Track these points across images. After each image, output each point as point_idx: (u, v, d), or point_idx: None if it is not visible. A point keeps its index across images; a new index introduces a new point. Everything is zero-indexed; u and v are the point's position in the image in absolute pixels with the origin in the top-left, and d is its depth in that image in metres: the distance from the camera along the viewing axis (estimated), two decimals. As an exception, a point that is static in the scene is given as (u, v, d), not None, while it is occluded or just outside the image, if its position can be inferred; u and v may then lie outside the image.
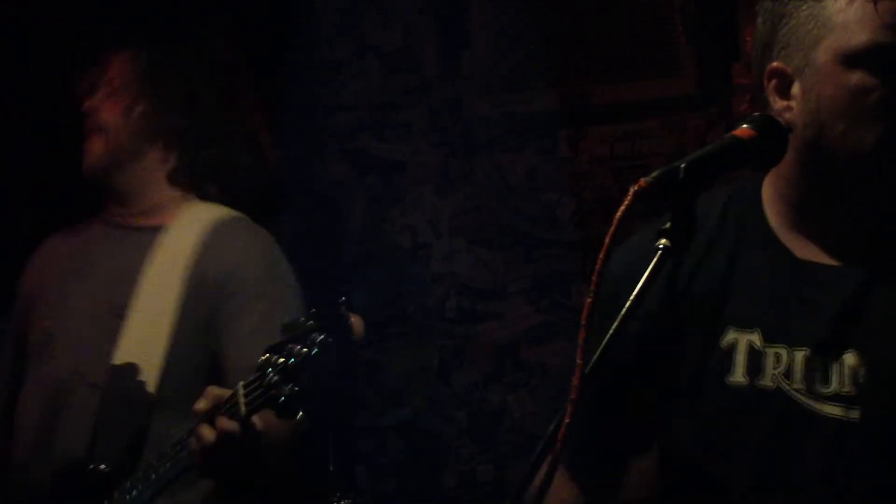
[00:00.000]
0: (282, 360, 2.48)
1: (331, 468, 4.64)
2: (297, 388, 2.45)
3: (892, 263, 2.17)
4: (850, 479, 2.11)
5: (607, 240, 1.82)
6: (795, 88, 2.16)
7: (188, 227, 3.12)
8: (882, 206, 2.17)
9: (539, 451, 1.80)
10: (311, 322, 2.49)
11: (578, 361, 1.79)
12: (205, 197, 3.22)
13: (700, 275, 2.24)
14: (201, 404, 2.64)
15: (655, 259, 1.85)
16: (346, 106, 4.98)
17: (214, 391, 2.65)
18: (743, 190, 2.31)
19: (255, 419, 2.58)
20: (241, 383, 2.58)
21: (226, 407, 2.60)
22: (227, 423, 2.58)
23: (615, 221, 1.82)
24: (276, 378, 2.49)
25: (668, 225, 1.87)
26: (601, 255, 1.81)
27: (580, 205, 4.60)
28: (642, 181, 1.87)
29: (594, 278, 1.81)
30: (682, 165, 1.90)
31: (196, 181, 3.21)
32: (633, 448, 2.36)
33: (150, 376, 2.97)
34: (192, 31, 3.38)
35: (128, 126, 3.17)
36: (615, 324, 1.83)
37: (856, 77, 2.09)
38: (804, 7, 2.14)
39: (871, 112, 2.09)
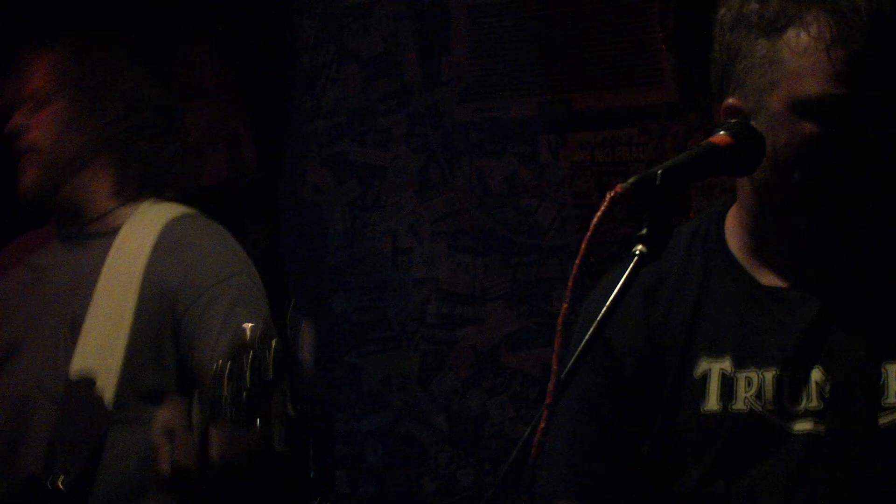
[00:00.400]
0: (231, 375, 2.45)
1: (311, 473, 4.65)
2: (248, 406, 2.43)
3: (847, 284, 2.19)
4: (822, 491, 2.12)
5: (584, 245, 1.83)
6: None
7: (140, 231, 3.04)
8: (837, 237, 2.19)
9: (514, 456, 1.80)
10: (264, 328, 2.47)
11: (554, 367, 1.79)
12: (157, 198, 3.14)
13: (673, 308, 2.26)
14: (161, 412, 2.60)
15: (632, 264, 1.85)
16: (327, 111, 4.98)
17: (174, 402, 2.61)
18: (706, 223, 2.33)
19: (213, 431, 2.54)
20: (196, 394, 2.54)
21: (183, 418, 2.56)
22: (185, 437, 2.55)
23: (592, 227, 1.83)
24: (226, 393, 2.46)
25: (644, 231, 1.87)
26: (577, 261, 1.82)
27: (560, 211, 4.60)
28: (619, 187, 1.88)
29: (570, 284, 1.82)
30: (659, 171, 1.90)
31: (144, 183, 3.13)
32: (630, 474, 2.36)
33: (106, 388, 2.90)
34: (110, 25, 3.28)
35: (60, 141, 3.05)
36: (591, 329, 1.83)
37: (808, 126, 2.08)
38: (760, 47, 2.13)
39: (823, 161, 2.09)
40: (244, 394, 2.41)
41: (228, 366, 2.42)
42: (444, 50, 4.80)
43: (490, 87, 4.69)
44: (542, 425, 1.76)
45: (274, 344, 2.38)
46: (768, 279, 2.22)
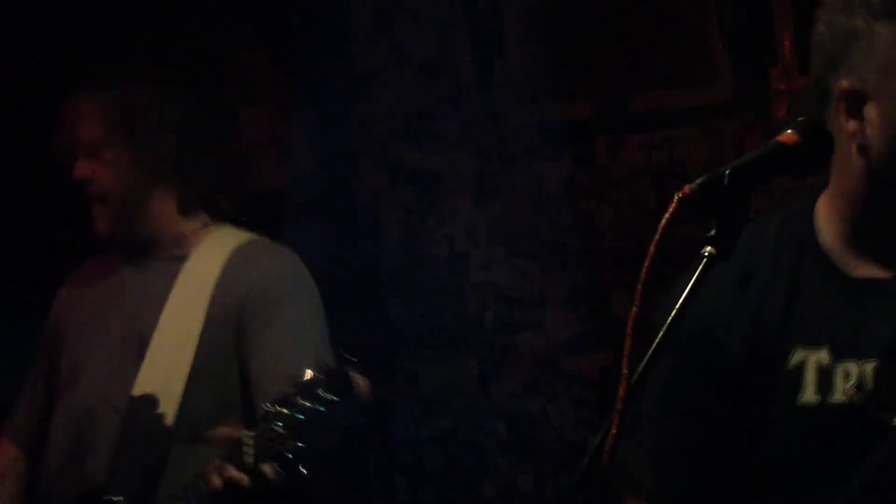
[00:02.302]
0: (287, 413, 2.47)
1: (370, 481, 4.65)
2: (301, 445, 2.45)
3: None
4: None
5: (652, 248, 1.82)
6: (871, 111, 2.13)
7: (210, 254, 3.12)
8: None
9: (587, 463, 1.79)
10: (317, 377, 2.48)
11: (624, 371, 1.77)
12: (220, 216, 3.21)
13: (766, 299, 2.24)
14: (213, 435, 2.64)
15: (700, 266, 1.84)
16: (382, 116, 4.98)
17: (226, 430, 2.64)
18: (795, 211, 2.31)
19: (265, 467, 2.56)
20: (246, 433, 2.56)
21: (234, 452, 2.58)
22: (233, 473, 2.57)
23: (660, 229, 1.82)
24: (282, 432, 2.48)
25: (712, 232, 1.86)
26: (646, 264, 1.81)
27: (617, 213, 4.58)
28: (686, 188, 1.87)
29: (639, 287, 1.80)
30: (727, 171, 1.89)
31: (205, 204, 3.18)
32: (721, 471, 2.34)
33: (168, 408, 2.97)
34: (153, 62, 3.32)
35: (123, 185, 3.12)
36: (660, 332, 1.81)
37: None
38: (884, 29, 2.10)
39: None
40: (295, 442, 2.42)
41: (281, 412, 2.44)
42: (498, 53, 4.78)
43: (545, 90, 4.67)
44: (614, 431, 1.75)
45: (326, 399, 2.39)
46: (863, 270, 2.20)
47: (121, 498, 2.90)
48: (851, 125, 2.15)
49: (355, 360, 2.54)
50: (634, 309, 1.80)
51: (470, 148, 4.84)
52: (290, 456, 2.49)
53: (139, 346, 3.03)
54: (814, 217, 2.27)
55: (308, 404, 2.46)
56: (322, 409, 2.45)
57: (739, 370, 2.24)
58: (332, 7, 4.95)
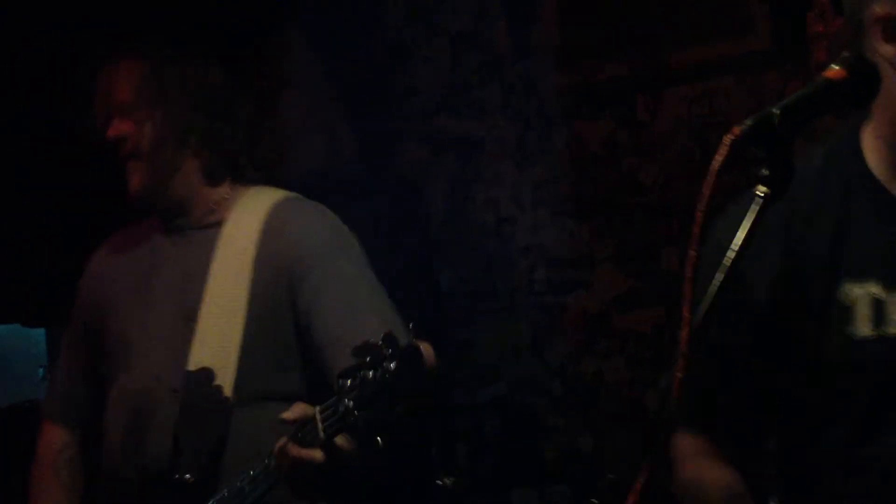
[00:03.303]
0: (356, 387, 2.48)
1: (433, 450, 4.67)
2: (373, 416, 2.45)
3: None
4: None
5: (707, 191, 1.81)
6: None
7: (246, 219, 3.09)
8: None
9: (657, 410, 1.80)
10: (382, 346, 2.49)
11: (686, 315, 1.78)
12: (250, 182, 3.18)
13: (810, 234, 2.24)
14: (288, 413, 2.64)
15: (758, 208, 1.83)
16: (421, 88, 4.99)
17: (302, 407, 2.64)
18: (839, 144, 2.30)
19: (339, 440, 2.57)
20: (318, 408, 2.57)
21: (305, 429, 2.59)
22: (304, 451, 2.58)
23: (713, 173, 1.80)
24: (351, 404, 2.49)
25: (765, 171, 1.86)
26: (701, 208, 1.80)
27: (662, 168, 4.57)
28: (736, 129, 1.86)
29: (696, 231, 1.80)
30: (777, 111, 1.88)
31: (233, 172, 3.17)
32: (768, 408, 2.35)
33: (225, 379, 2.95)
34: (187, 26, 3.32)
35: (156, 147, 3.11)
36: (724, 275, 1.81)
37: None
38: None
39: None
40: (365, 413, 2.43)
41: (349, 384, 2.45)
42: (532, 17, 4.78)
43: (582, 50, 4.67)
44: (680, 375, 1.76)
45: (392, 368, 2.40)
46: None
47: (188, 476, 2.91)
48: (888, 49, 2.14)
49: (413, 326, 2.54)
50: (693, 253, 1.79)
51: (509, 114, 4.86)
52: (362, 428, 2.49)
53: (187, 320, 3.02)
54: (860, 147, 2.26)
55: (377, 377, 2.46)
56: (391, 380, 2.45)
57: (768, 310, 2.24)
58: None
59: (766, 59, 4.35)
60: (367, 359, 2.48)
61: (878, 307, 2.18)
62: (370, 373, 2.45)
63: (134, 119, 3.11)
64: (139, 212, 3.25)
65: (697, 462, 2.34)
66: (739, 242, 1.81)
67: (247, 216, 3.09)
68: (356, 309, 2.92)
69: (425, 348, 2.49)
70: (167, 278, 3.12)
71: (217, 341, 2.97)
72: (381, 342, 2.47)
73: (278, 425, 2.86)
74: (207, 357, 2.98)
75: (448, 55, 4.94)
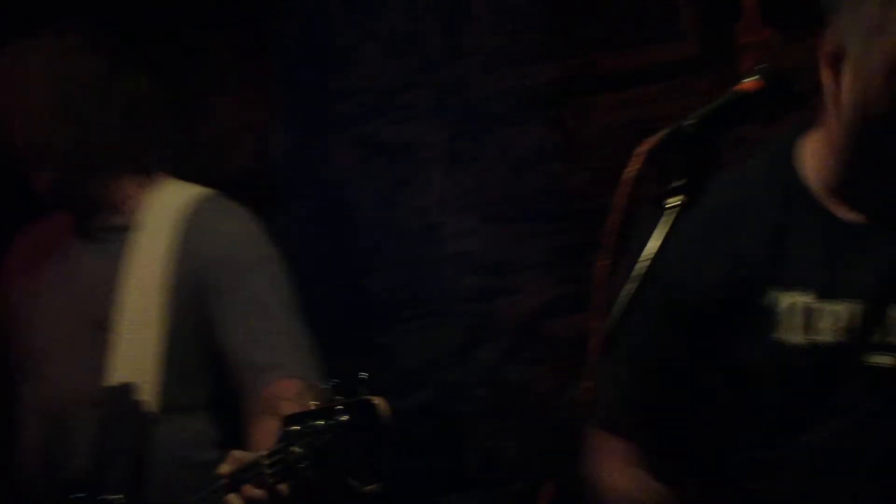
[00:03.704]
0: (305, 434, 2.42)
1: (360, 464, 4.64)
2: (323, 468, 2.40)
3: None
4: None
5: (620, 201, 1.83)
6: (846, 68, 2.15)
7: (159, 220, 3.00)
8: None
9: (562, 417, 1.80)
10: (334, 395, 2.43)
11: (597, 326, 1.78)
12: (171, 181, 3.09)
13: (747, 241, 2.27)
14: (226, 468, 2.58)
15: (673, 217, 1.85)
16: (352, 92, 4.97)
17: (238, 455, 2.59)
18: (779, 154, 2.32)
19: (283, 487, 2.50)
20: (265, 452, 2.51)
21: (250, 474, 2.53)
22: (254, 492, 2.51)
23: (628, 182, 1.83)
24: (300, 452, 2.43)
25: (680, 182, 1.86)
26: (615, 217, 1.81)
27: (591, 174, 4.58)
28: (651, 140, 1.88)
29: (609, 242, 1.81)
30: (692, 122, 1.90)
31: (146, 166, 3.08)
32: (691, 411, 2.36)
33: (147, 391, 2.90)
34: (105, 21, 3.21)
35: (75, 141, 3.00)
36: (632, 285, 1.82)
37: None
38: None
39: None
40: (314, 464, 2.38)
41: (298, 432, 2.40)
42: (465, 21, 4.77)
43: (513, 56, 4.67)
44: (588, 384, 1.76)
45: (344, 422, 2.35)
46: (849, 214, 2.23)
47: (120, 496, 2.85)
48: (828, 76, 2.18)
49: (364, 376, 2.48)
50: (604, 263, 1.80)
51: (439, 119, 4.84)
52: (310, 479, 2.44)
53: (100, 330, 2.95)
54: (799, 159, 2.29)
55: (328, 428, 2.41)
56: (344, 434, 2.40)
57: (699, 313, 2.26)
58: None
59: (695, 66, 4.37)
60: (317, 406, 2.43)
61: (810, 316, 2.21)
62: (320, 421, 2.39)
63: (48, 111, 3.01)
64: (45, 206, 3.16)
65: (625, 471, 2.35)
66: (652, 252, 1.83)
67: (159, 218, 3.00)
68: (266, 329, 2.88)
69: (382, 404, 2.44)
70: (77, 287, 3.04)
71: (135, 353, 2.91)
72: (331, 389, 2.42)
73: (203, 437, 2.83)
74: (126, 370, 2.91)
75: (379, 59, 4.91)
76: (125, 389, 2.89)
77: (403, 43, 4.90)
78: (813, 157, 2.27)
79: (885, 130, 2.11)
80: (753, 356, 2.23)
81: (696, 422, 2.37)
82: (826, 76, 2.17)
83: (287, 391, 2.74)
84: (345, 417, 2.37)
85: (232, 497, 2.52)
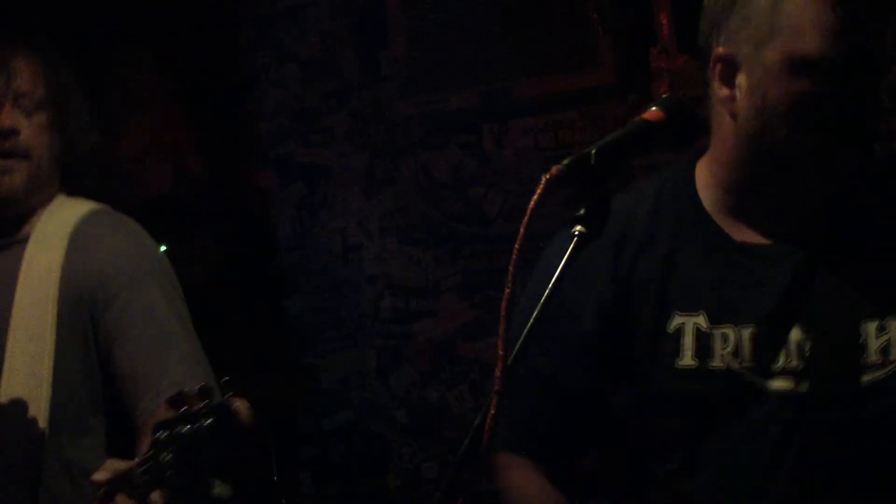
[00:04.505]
0: (174, 440, 2.41)
1: (275, 478, 4.63)
2: (187, 473, 2.39)
3: (826, 242, 2.20)
4: (804, 449, 2.15)
5: (522, 229, 1.84)
6: (741, 79, 2.16)
7: (51, 236, 2.93)
8: (817, 194, 2.20)
9: (467, 443, 1.81)
10: (198, 400, 2.42)
11: (500, 352, 1.80)
12: (63, 194, 3.02)
13: (641, 264, 2.26)
14: (100, 475, 2.54)
15: (572, 245, 1.86)
16: (269, 114, 4.97)
17: (113, 464, 2.55)
18: (673, 178, 2.33)
19: (154, 496, 2.49)
20: (137, 460, 2.48)
21: (123, 483, 2.51)
22: (126, 502, 2.43)
23: (529, 210, 1.85)
24: (168, 458, 2.41)
25: (582, 211, 1.89)
26: (517, 246, 1.83)
27: (507, 199, 4.61)
28: (554, 169, 1.89)
29: (511, 269, 1.83)
30: (593, 151, 1.92)
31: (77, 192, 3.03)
32: (593, 431, 2.37)
33: (38, 410, 2.83)
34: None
35: (48, 148, 2.96)
36: (534, 313, 1.84)
37: (803, 84, 2.09)
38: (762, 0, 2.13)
39: (814, 120, 2.11)
40: (183, 468, 2.37)
41: (166, 438, 2.39)
42: (382, 45, 4.79)
43: (430, 80, 4.69)
44: (493, 411, 1.77)
45: (207, 425, 2.34)
46: (744, 235, 2.23)
47: None
48: (724, 91, 2.18)
49: (227, 379, 2.47)
50: (507, 291, 1.82)
51: (357, 141, 4.85)
52: (177, 485, 2.42)
53: None
54: (694, 182, 2.30)
55: (192, 432, 2.39)
56: (206, 438, 2.39)
57: (596, 335, 2.27)
58: (215, 10, 4.93)
59: (610, 91, 4.41)
60: (183, 411, 2.41)
61: (703, 339, 2.21)
62: (186, 427, 2.38)
63: (32, 117, 2.95)
64: None
65: (522, 473, 2.36)
66: (554, 278, 1.85)
67: (50, 233, 2.94)
68: (159, 345, 2.82)
69: (241, 406, 2.42)
70: None
71: (27, 370, 2.83)
72: (196, 394, 2.41)
73: (97, 454, 2.79)
74: (18, 387, 2.85)
75: (297, 81, 4.92)
76: (17, 406, 2.84)
77: (319, 66, 4.91)
78: (707, 180, 2.27)
79: (786, 129, 2.12)
80: (650, 380, 2.23)
81: (604, 447, 2.38)
82: (720, 90, 2.18)
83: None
84: (208, 421, 2.35)
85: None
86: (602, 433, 2.35)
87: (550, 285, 1.84)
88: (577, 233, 1.87)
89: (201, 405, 2.32)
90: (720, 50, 2.18)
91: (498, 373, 1.79)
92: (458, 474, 1.82)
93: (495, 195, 4.63)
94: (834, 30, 2.07)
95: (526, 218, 1.83)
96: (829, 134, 2.11)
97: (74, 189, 3.04)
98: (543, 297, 1.84)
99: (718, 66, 2.18)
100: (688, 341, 2.22)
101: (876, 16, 2.11)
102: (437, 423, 4.71)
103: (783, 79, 2.10)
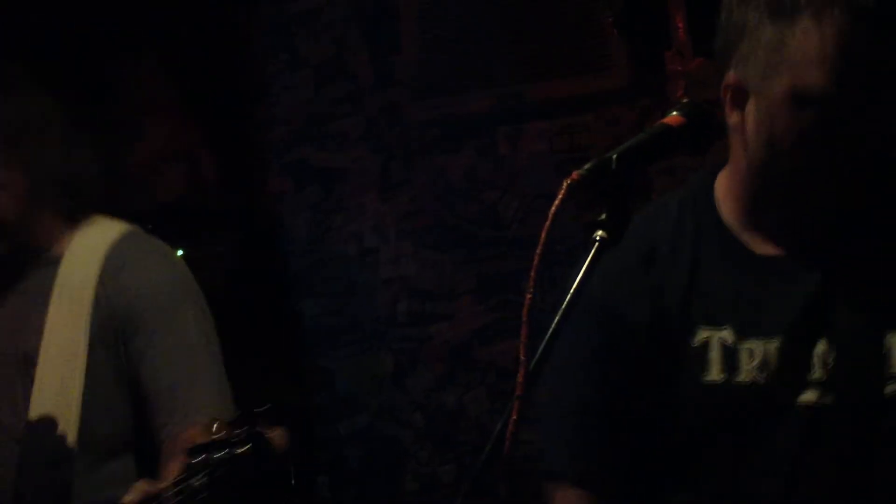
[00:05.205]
0: (208, 464, 2.42)
1: (292, 482, 4.64)
2: (223, 497, 2.39)
3: (846, 254, 2.19)
4: (829, 460, 2.14)
5: (544, 234, 1.84)
6: (750, 106, 2.14)
7: (84, 257, 2.95)
8: (831, 213, 2.20)
9: (488, 451, 1.81)
10: (236, 426, 2.43)
11: (522, 358, 1.80)
12: (94, 216, 3.02)
13: (668, 278, 2.25)
14: (129, 498, 2.55)
15: (593, 251, 1.86)
16: (283, 119, 4.98)
17: (143, 486, 2.56)
18: (694, 192, 2.31)
19: None
20: (170, 481, 2.47)
21: None
22: None
23: (551, 216, 1.84)
24: (202, 481, 2.42)
25: (602, 216, 1.88)
26: (538, 251, 1.83)
27: (522, 202, 4.61)
28: (575, 174, 1.89)
29: (532, 274, 1.83)
30: (614, 156, 1.91)
31: (81, 206, 3.01)
32: (636, 451, 2.36)
33: (67, 427, 2.84)
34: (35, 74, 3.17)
35: (21, 206, 2.93)
36: (556, 318, 1.84)
37: (807, 117, 2.07)
38: (766, 30, 2.10)
39: (819, 154, 2.09)
40: (216, 494, 2.38)
41: (200, 463, 2.39)
42: (395, 49, 4.80)
43: (444, 84, 4.70)
44: (515, 417, 1.77)
45: (240, 453, 2.34)
46: (764, 248, 2.22)
47: None
48: (734, 117, 2.17)
49: (267, 408, 2.48)
50: (528, 296, 1.82)
51: (372, 145, 4.86)
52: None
53: (25, 366, 2.89)
54: (713, 195, 2.28)
55: (226, 459, 2.40)
56: (240, 465, 2.40)
57: (645, 348, 2.25)
58: (228, 16, 4.94)
59: (625, 95, 4.41)
60: (219, 437, 2.42)
61: (729, 354, 2.19)
62: (222, 452, 2.39)
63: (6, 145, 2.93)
64: None
65: None
66: (574, 285, 1.84)
67: (84, 254, 2.95)
68: (188, 369, 2.84)
69: (278, 435, 2.43)
70: (3, 319, 3.00)
71: (57, 388, 2.86)
72: (234, 421, 2.42)
73: (125, 475, 2.81)
74: (49, 404, 2.85)
75: (310, 85, 4.93)
76: (47, 424, 2.86)
77: (333, 69, 4.92)
78: (726, 192, 2.26)
79: (791, 165, 2.11)
80: (677, 396, 2.21)
81: (639, 463, 2.37)
82: (731, 115, 2.16)
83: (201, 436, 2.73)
84: (243, 449, 2.36)
85: None
86: (640, 456, 2.34)
87: (571, 291, 1.84)
88: (597, 238, 1.87)
89: (239, 431, 2.33)
90: (731, 76, 2.16)
91: (520, 378, 1.79)
92: (478, 480, 1.82)
93: (510, 199, 4.63)
94: (837, 66, 2.06)
95: (548, 223, 1.83)
96: (839, 164, 2.11)
97: (84, 205, 3.05)
98: (565, 306, 1.83)
99: (729, 93, 2.18)
100: (714, 356, 2.20)
101: (883, 49, 2.10)
102: (454, 426, 4.71)
103: (788, 111, 2.09)
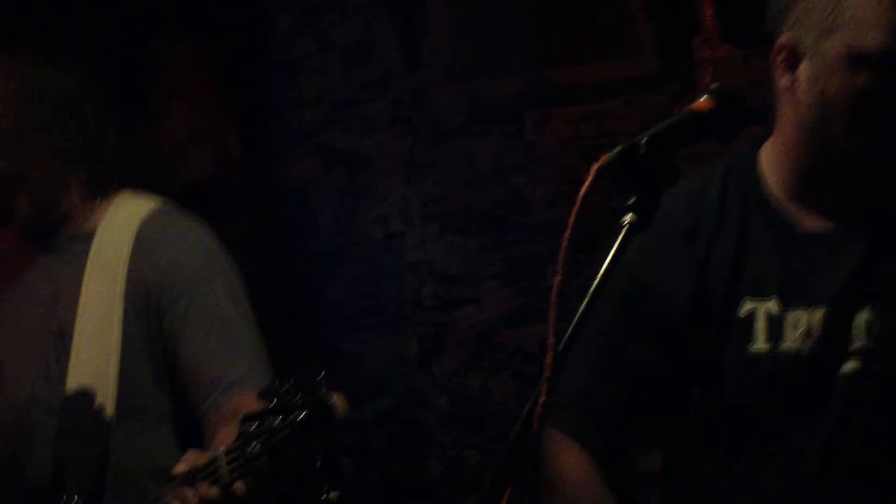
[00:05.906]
0: (264, 432, 2.42)
1: (317, 464, 4.65)
2: (279, 464, 2.40)
3: (890, 228, 2.22)
4: (874, 427, 2.18)
5: (573, 218, 1.85)
6: (803, 68, 2.17)
7: (117, 232, 2.97)
8: (879, 183, 2.21)
9: (517, 431, 1.82)
10: (292, 394, 2.43)
11: (550, 341, 1.81)
12: (127, 191, 3.05)
13: (713, 251, 2.28)
14: (181, 467, 2.56)
15: (622, 235, 1.87)
16: (310, 102, 4.99)
17: (194, 455, 2.57)
18: (737, 164, 2.33)
19: (238, 485, 2.45)
20: (223, 449, 2.50)
21: (207, 472, 2.48)
22: (209, 490, 2.45)
23: (579, 199, 1.86)
24: (258, 448, 2.42)
25: (632, 200, 1.89)
26: (567, 234, 1.84)
27: (549, 187, 4.62)
28: (604, 158, 1.90)
29: (561, 257, 1.84)
30: (643, 140, 1.92)
31: (109, 180, 3.03)
32: (646, 414, 2.38)
33: (105, 398, 2.87)
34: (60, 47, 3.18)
35: (45, 163, 2.96)
36: (585, 300, 1.85)
37: (863, 78, 2.10)
38: None
39: (873, 115, 2.12)
40: (273, 460, 2.38)
41: (256, 429, 2.40)
42: (423, 33, 4.80)
43: (471, 68, 4.70)
44: (543, 399, 1.78)
45: (301, 419, 2.35)
46: (808, 221, 2.25)
47: (76, 498, 2.85)
48: (785, 80, 2.19)
49: (323, 374, 2.48)
50: (557, 279, 1.83)
51: (399, 128, 4.86)
52: (267, 475, 2.44)
53: (61, 339, 2.93)
54: (757, 168, 2.31)
55: (285, 425, 2.40)
56: (299, 430, 2.40)
57: (685, 322, 2.28)
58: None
59: (653, 81, 4.41)
60: (275, 404, 2.43)
61: (774, 323, 2.22)
62: (278, 419, 2.39)
63: (14, 135, 2.96)
64: None
65: (569, 456, 2.36)
66: (603, 268, 1.85)
67: (117, 228, 2.97)
68: (225, 341, 2.87)
69: (339, 401, 2.44)
70: (37, 295, 3.02)
71: (94, 360, 2.89)
72: (290, 388, 2.42)
73: (164, 445, 2.83)
74: (86, 376, 2.89)
75: (337, 68, 4.94)
76: (85, 395, 2.89)
77: (360, 53, 4.92)
78: (771, 166, 2.28)
79: (844, 127, 2.13)
80: (720, 364, 2.24)
81: (668, 439, 2.38)
82: (783, 78, 2.19)
83: (247, 405, 2.75)
84: (302, 415, 2.37)
85: (186, 492, 2.51)
86: (666, 431, 2.35)
87: (600, 275, 1.85)
88: (627, 222, 1.88)
89: (297, 398, 2.34)
90: (784, 38, 2.19)
91: (548, 360, 1.79)
92: (507, 462, 1.83)
93: (537, 183, 4.63)
94: (893, 25, 2.07)
95: (577, 206, 1.84)
96: (889, 130, 2.12)
97: (107, 178, 3.07)
98: (594, 288, 1.84)
99: (782, 54, 2.19)
100: (760, 325, 2.23)
101: None
102: (479, 410, 4.72)
103: (843, 72, 2.11)
